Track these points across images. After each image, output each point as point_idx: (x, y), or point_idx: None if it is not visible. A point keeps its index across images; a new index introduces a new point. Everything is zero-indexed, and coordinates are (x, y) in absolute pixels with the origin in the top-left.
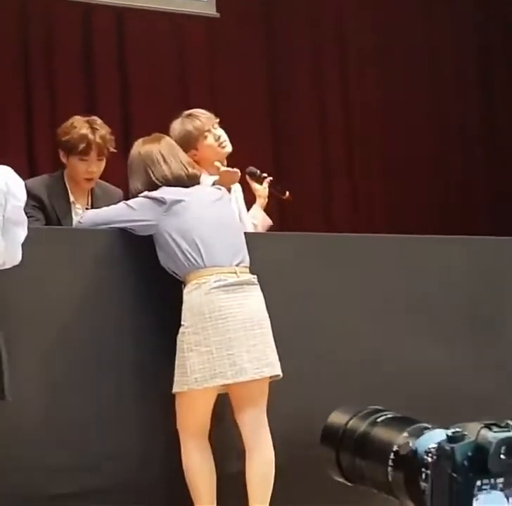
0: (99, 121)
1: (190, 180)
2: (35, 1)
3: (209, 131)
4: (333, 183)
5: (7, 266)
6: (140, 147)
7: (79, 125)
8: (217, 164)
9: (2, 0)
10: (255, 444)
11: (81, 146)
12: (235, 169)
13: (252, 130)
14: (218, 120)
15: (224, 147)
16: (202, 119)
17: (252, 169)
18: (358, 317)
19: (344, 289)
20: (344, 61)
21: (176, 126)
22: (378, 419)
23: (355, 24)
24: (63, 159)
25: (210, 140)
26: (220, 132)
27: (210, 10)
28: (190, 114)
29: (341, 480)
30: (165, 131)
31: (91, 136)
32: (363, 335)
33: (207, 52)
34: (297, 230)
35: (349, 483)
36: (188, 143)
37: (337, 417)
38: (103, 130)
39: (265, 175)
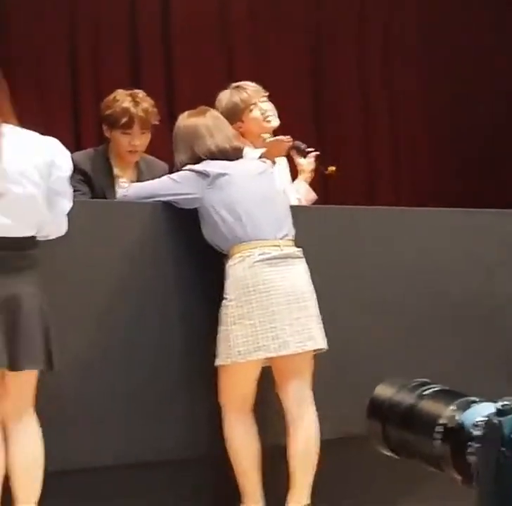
0: (142, 94)
1: (235, 154)
2: None
3: (255, 104)
4: (376, 160)
5: (52, 237)
6: (185, 120)
7: (122, 98)
8: (265, 135)
9: None
10: (299, 419)
11: (124, 120)
12: (285, 137)
13: (296, 106)
14: (267, 94)
15: (269, 122)
16: (250, 91)
17: (297, 142)
18: (402, 291)
19: (387, 262)
20: (387, 44)
21: (223, 97)
22: (425, 392)
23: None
24: (107, 133)
25: (256, 113)
26: (267, 106)
27: None
28: (238, 86)
29: (388, 453)
30: (209, 104)
31: (133, 110)
32: (408, 309)
33: (251, 25)
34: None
35: (396, 456)
36: (234, 114)
37: (383, 390)
38: (146, 103)
39: (310, 149)
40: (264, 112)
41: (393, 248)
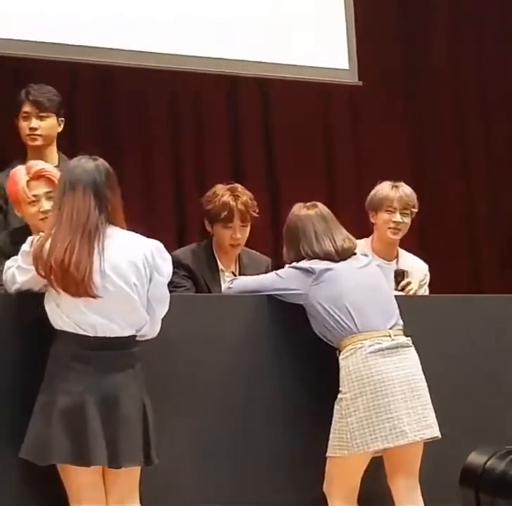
0: (240, 187)
1: (342, 255)
2: (183, 76)
3: (390, 211)
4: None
5: (147, 338)
6: (297, 215)
7: (221, 193)
8: None
9: (150, 78)
10: None
11: (224, 214)
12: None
13: None
14: (415, 210)
15: (393, 233)
16: (395, 196)
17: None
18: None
19: (496, 349)
20: (486, 115)
21: (380, 186)
22: None
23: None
24: (208, 228)
25: (383, 217)
26: (398, 219)
27: (352, 78)
28: (396, 186)
29: None
30: (311, 196)
31: (232, 203)
32: None
33: (351, 120)
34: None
35: None
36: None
37: (476, 458)
38: (245, 196)
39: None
40: (396, 223)
41: (502, 334)
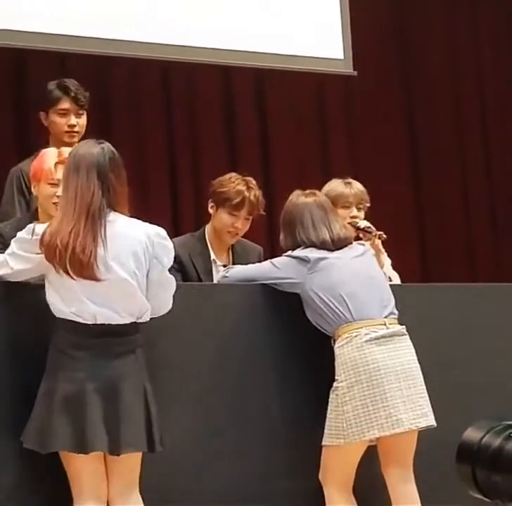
0: (254, 182)
1: (337, 244)
2: (176, 68)
3: (348, 206)
4: (476, 237)
5: (157, 316)
6: (295, 202)
7: (237, 181)
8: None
9: (146, 67)
10: (402, 499)
11: (236, 200)
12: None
13: (393, 190)
14: (367, 205)
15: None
16: (351, 193)
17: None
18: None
19: (492, 340)
20: (484, 113)
21: (332, 183)
22: None
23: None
24: (211, 210)
25: (343, 214)
26: (356, 214)
27: (347, 68)
28: (349, 182)
29: (478, 496)
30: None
31: (246, 193)
32: None
33: (346, 111)
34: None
35: (486, 499)
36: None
37: (472, 434)
38: (257, 191)
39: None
40: (350, 216)
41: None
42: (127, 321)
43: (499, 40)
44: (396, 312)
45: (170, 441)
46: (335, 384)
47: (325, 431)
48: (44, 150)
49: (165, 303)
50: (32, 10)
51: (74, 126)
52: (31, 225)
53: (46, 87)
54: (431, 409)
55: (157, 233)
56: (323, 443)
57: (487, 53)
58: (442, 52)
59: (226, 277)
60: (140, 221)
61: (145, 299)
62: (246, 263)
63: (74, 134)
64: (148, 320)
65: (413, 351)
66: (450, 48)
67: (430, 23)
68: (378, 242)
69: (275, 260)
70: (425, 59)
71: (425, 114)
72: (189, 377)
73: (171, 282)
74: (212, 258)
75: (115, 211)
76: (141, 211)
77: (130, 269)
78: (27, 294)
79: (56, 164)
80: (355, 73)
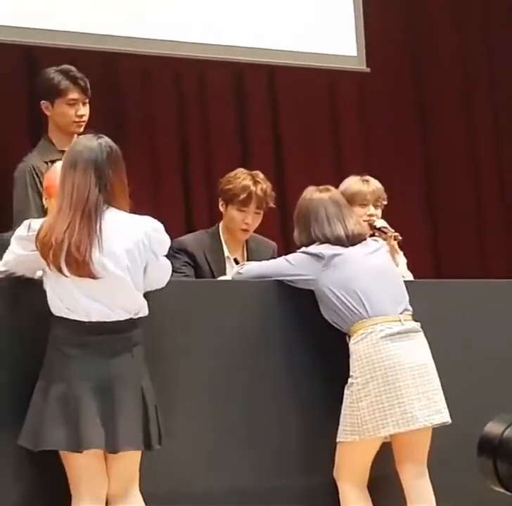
0: (262, 175)
1: (352, 240)
2: (188, 65)
3: (363, 205)
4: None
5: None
6: (310, 197)
7: (243, 176)
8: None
9: (158, 65)
10: (417, 495)
11: (242, 196)
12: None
13: (405, 188)
14: (385, 203)
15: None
16: (368, 190)
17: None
18: None
19: (506, 336)
20: (496, 111)
21: (348, 181)
22: None
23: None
24: (221, 208)
25: (360, 212)
26: (373, 212)
27: (360, 65)
28: (367, 180)
29: (500, 489)
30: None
31: (252, 188)
32: None
33: (358, 108)
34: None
35: (508, 492)
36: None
37: (493, 428)
38: (265, 184)
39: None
40: (365, 214)
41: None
42: (123, 318)
43: (510, 38)
44: (410, 308)
45: (179, 439)
46: (350, 381)
47: (340, 427)
48: (57, 163)
49: (161, 280)
50: (45, 10)
51: (83, 115)
52: (27, 222)
53: (47, 76)
54: (446, 405)
55: (153, 228)
56: (337, 439)
57: (497, 52)
58: (453, 50)
59: (240, 273)
60: (137, 216)
61: (141, 295)
62: (260, 260)
63: (82, 124)
64: (146, 315)
65: (428, 347)
66: (461, 47)
67: (441, 22)
68: (394, 242)
69: (289, 256)
70: (436, 57)
71: (437, 112)
72: (202, 373)
73: (167, 273)
74: (226, 255)
75: (113, 207)
76: (154, 209)
77: (125, 266)
78: (27, 291)
79: None
80: (368, 70)
